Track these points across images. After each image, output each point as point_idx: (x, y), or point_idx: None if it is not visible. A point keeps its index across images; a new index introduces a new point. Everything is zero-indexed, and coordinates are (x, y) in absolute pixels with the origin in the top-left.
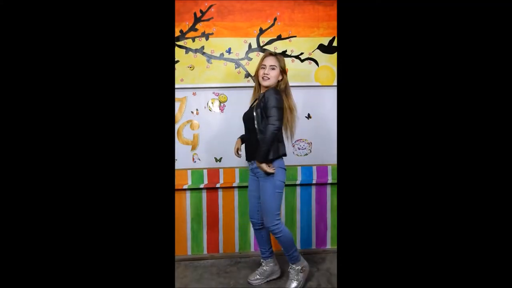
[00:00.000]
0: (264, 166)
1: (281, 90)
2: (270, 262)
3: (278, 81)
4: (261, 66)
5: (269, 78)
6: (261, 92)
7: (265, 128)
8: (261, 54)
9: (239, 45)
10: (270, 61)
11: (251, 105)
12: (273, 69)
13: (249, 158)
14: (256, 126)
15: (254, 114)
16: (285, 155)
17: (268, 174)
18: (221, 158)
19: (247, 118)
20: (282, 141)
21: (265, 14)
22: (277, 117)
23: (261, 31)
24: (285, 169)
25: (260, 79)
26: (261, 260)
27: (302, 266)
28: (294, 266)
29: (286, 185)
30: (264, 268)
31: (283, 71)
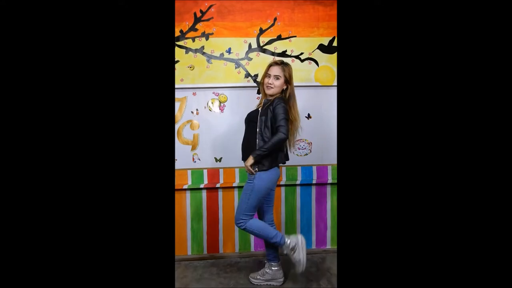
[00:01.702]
0: (248, 165)
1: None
2: (274, 266)
3: (283, 90)
4: (266, 74)
5: (272, 88)
6: (266, 98)
7: (268, 137)
8: (261, 54)
9: (239, 45)
10: (275, 71)
11: (257, 107)
12: (277, 79)
13: (245, 159)
14: (258, 131)
15: (258, 119)
16: (283, 162)
17: (251, 173)
18: (221, 158)
19: (250, 120)
20: (283, 151)
21: (265, 14)
22: (287, 127)
23: (261, 31)
24: (275, 177)
25: (265, 87)
26: (265, 261)
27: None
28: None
29: (286, 185)
30: (267, 270)
31: (288, 81)
